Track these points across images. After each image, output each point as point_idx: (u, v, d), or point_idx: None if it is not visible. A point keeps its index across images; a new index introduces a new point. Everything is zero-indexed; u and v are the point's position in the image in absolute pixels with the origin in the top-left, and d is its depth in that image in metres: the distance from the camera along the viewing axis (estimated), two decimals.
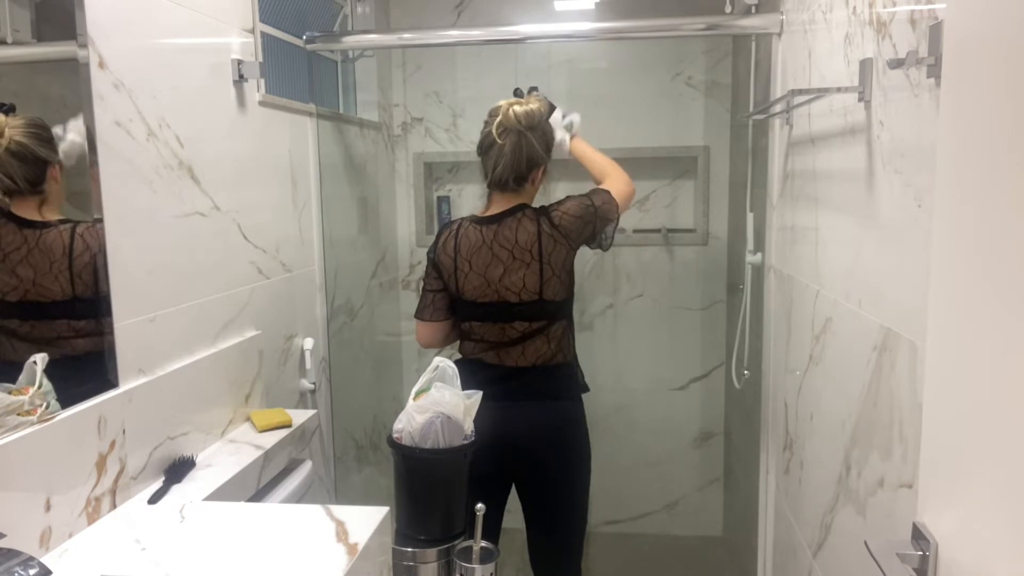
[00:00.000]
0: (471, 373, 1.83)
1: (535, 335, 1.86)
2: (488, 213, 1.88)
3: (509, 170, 1.83)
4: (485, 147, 1.86)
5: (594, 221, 1.87)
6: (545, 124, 1.87)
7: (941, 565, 0.80)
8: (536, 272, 1.82)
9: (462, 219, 1.93)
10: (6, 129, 1.17)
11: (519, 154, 1.82)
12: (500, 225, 1.85)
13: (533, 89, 1.95)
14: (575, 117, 2.04)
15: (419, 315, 1.96)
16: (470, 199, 2.97)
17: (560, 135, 1.99)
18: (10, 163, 1.18)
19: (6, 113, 1.18)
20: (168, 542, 1.18)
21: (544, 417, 1.90)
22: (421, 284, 1.99)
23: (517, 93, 1.92)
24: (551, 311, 1.87)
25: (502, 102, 1.86)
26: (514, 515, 2.01)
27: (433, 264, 1.93)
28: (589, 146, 2.05)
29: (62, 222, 1.26)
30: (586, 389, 1.98)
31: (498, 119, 1.82)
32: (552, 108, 1.92)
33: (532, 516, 1.99)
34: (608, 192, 1.92)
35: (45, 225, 1.24)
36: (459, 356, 1.96)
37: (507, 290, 1.84)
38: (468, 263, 1.86)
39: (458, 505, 1.62)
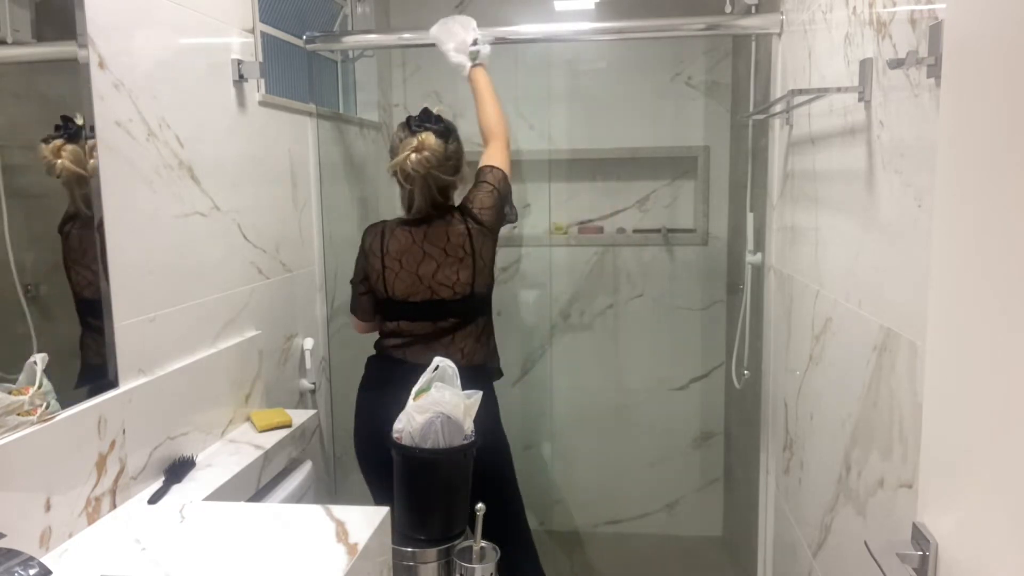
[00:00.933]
0: (390, 369, 1.92)
1: (464, 327, 1.92)
2: (416, 216, 1.92)
3: (426, 204, 1.89)
4: (398, 181, 1.89)
5: (501, 204, 1.95)
6: (450, 150, 1.88)
7: (941, 565, 0.80)
8: (469, 267, 1.89)
9: (386, 221, 1.97)
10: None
11: (428, 192, 1.88)
12: (430, 226, 1.90)
13: (426, 119, 1.88)
14: (485, 48, 2.04)
15: (354, 313, 2.04)
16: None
17: (460, 60, 2.02)
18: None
19: (72, 137, 1.24)
20: (168, 542, 1.18)
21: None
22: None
23: (421, 116, 1.89)
24: (478, 305, 1.94)
25: (401, 139, 1.86)
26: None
27: (360, 266, 1.98)
28: (488, 83, 2.05)
29: None
30: (500, 375, 2.04)
31: (397, 165, 1.84)
32: (449, 133, 1.89)
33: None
34: (499, 169, 1.97)
35: None
36: (373, 353, 2.00)
37: (441, 285, 1.89)
38: (398, 262, 1.90)
39: (458, 505, 1.63)
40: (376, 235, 1.94)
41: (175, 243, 1.52)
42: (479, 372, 1.94)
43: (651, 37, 2.52)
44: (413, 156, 1.82)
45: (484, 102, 2.04)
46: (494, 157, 1.99)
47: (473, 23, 2.04)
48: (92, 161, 1.28)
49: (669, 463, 3.03)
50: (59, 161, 1.22)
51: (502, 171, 1.97)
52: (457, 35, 2.03)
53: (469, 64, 2.03)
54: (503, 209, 1.96)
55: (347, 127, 2.53)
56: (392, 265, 1.91)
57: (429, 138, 1.84)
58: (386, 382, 1.93)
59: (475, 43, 2.02)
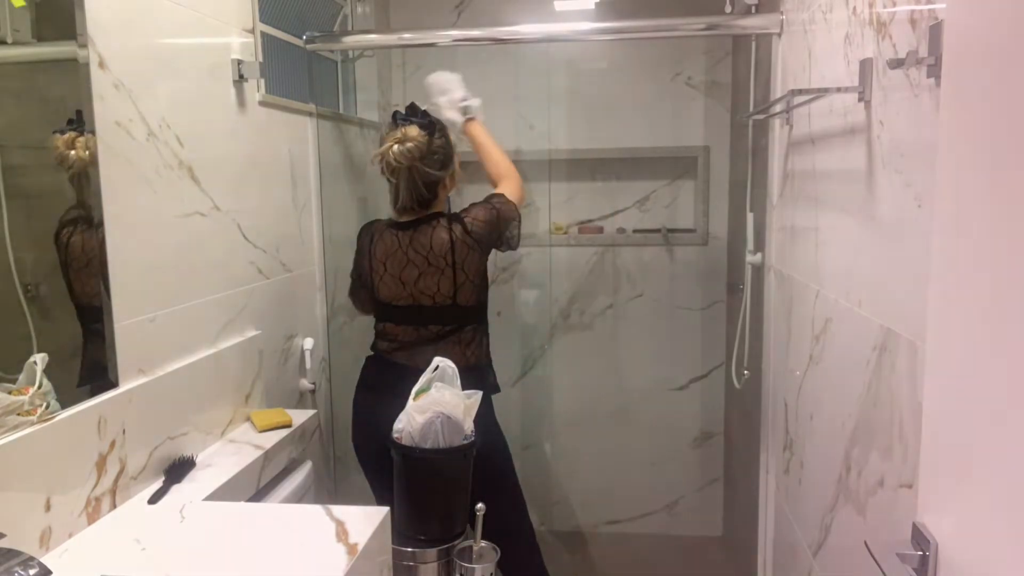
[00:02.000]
0: (380, 371, 1.95)
1: (447, 337, 1.91)
2: (404, 219, 1.93)
3: (410, 199, 1.90)
4: (385, 175, 1.91)
5: (499, 224, 1.94)
6: (435, 144, 1.88)
7: (941, 565, 0.80)
8: (450, 278, 1.88)
9: (378, 221, 1.99)
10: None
11: (413, 185, 1.88)
12: (416, 231, 1.90)
13: (412, 113, 1.90)
14: (475, 102, 2.09)
15: (352, 299, 2.09)
16: (470, 198, 2.96)
17: (452, 116, 2.06)
18: None
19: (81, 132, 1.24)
20: (168, 542, 1.18)
21: None
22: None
23: (407, 111, 1.90)
24: (463, 315, 1.93)
25: (386, 134, 1.88)
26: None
27: (357, 262, 2.01)
28: (487, 135, 2.08)
29: None
30: (496, 390, 2.01)
31: (380, 155, 1.86)
32: (434, 126, 1.90)
33: None
34: (503, 195, 1.98)
35: None
36: (370, 353, 2.01)
37: (422, 294, 1.89)
38: (383, 266, 1.91)
39: (458, 505, 1.63)
40: (367, 235, 1.96)
41: (175, 243, 1.52)
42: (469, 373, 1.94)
43: (651, 37, 2.53)
44: (395, 147, 1.83)
45: (487, 152, 2.07)
46: (505, 189, 2.01)
47: (459, 78, 2.08)
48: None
49: (669, 463, 3.02)
50: (72, 152, 1.22)
51: (507, 198, 1.97)
52: (447, 91, 2.07)
53: (462, 119, 2.07)
54: (500, 229, 1.94)
55: (347, 127, 2.53)
56: (378, 268, 1.92)
57: (412, 130, 1.85)
58: (379, 383, 1.93)
59: (464, 99, 2.07)
